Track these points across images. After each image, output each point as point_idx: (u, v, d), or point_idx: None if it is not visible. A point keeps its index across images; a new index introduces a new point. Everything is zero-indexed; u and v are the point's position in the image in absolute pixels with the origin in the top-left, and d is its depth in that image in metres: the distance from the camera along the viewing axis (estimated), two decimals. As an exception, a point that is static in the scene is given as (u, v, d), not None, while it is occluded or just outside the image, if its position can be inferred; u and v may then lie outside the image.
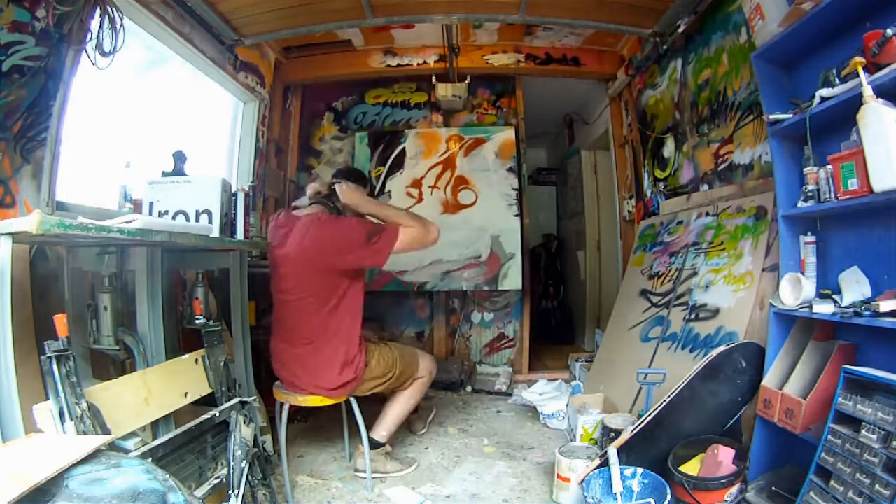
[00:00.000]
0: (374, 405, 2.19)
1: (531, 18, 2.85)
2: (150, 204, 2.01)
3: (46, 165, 1.78)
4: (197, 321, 1.82)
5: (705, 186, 2.72)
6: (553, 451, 2.13)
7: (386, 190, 3.84)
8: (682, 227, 2.78)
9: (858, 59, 1.38)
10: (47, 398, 1.18)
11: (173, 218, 2.01)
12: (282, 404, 2.04)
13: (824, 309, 1.53)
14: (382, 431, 2.18)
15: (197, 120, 3.07)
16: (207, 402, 1.70)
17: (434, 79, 3.59)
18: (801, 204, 1.65)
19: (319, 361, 1.97)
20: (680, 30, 2.70)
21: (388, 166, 3.87)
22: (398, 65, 3.73)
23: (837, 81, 1.49)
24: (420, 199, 3.76)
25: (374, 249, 1.92)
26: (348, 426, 2.38)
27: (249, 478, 1.50)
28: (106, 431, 1.26)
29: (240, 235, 2.25)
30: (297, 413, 1.92)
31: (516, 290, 3.75)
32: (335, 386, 1.98)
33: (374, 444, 2.14)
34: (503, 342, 3.90)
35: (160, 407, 1.52)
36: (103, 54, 1.95)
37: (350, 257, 1.93)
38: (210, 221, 2.04)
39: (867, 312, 1.38)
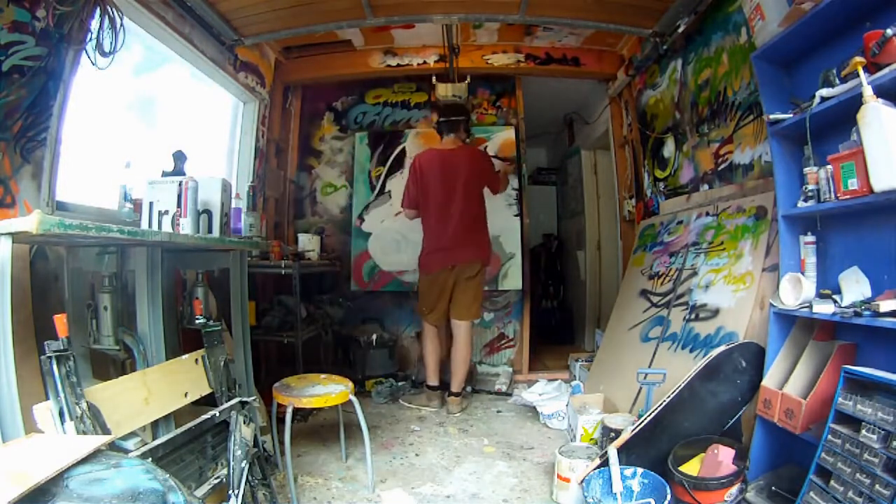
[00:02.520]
0: (372, 406, 2.18)
1: (531, 18, 2.86)
2: (150, 204, 2.01)
3: (46, 165, 1.78)
4: (197, 321, 1.82)
5: (705, 186, 2.72)
6: (553, 451, 2.13)
7: (386, 190, 3.84)
8: (682, 227, 2.78)
9: (858, 58, 1.38)
10: (47, 398, 1.18)
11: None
12: (282, 406, 2.04)
13: (824, 309, 1.53)
14: (458, 386, 3.06)
15: (197, 120, 3.07)
16: (207, 402, 1.70)
17: (434, 79, 3.58)
18: (801, 204, 1.65)
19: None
20: (680, 30, 2.70)
21: (388, 166, 3.87)
22: (398, 65, 3.72)
23: (837, 81, 1.49)
24: (420, 199, 3.76)
25: None
26: (346, 427, 2.38)
27: (249, 478, 1.50)
28: (106, 431, 1.26)
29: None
30: (296, 413, 1.95)
31: (516, 289, 3.76)
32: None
33: (455, 394, 3.05)
34: (503, 342, 3.89)
35: (160, 407, 1.52)
36: (103, 54, 1.95)
37: None
38: (210, 221, 2.04)
39: (867, 312, 1.39)
